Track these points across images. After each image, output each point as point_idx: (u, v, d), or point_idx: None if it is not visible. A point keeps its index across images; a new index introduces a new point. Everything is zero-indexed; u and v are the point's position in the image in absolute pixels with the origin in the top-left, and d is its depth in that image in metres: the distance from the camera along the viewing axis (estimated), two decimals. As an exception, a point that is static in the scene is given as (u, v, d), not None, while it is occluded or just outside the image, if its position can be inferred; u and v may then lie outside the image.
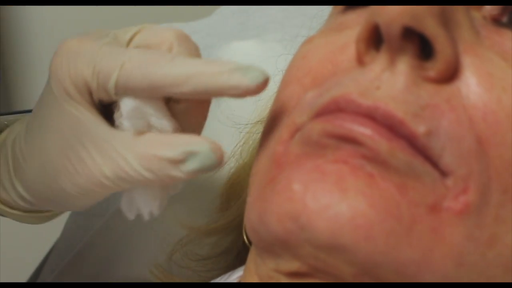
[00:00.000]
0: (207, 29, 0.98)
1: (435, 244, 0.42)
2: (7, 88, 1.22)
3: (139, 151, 0.48)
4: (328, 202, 0.42)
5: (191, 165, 0.46)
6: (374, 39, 0.44)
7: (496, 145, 0.42)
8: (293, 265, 0.46)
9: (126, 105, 0.50)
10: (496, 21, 0.46)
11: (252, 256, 0.53)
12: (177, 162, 0.46)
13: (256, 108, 0.67)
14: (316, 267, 0.45)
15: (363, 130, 0.42)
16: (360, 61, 0.45)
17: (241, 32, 0.93)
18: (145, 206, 0.51)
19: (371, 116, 0.42)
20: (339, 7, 0.55)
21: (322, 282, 0.45)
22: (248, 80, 0.46)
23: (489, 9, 0.47)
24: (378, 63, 0.44)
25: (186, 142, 0.47)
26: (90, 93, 0.50)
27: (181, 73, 0.48)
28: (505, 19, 0.46)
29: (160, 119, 0.50)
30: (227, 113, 0.69)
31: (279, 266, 0.47)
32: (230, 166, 0.69)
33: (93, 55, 0.50)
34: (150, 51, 0.51)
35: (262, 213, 0.45)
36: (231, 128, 0.69)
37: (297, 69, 0.51)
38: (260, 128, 0.61)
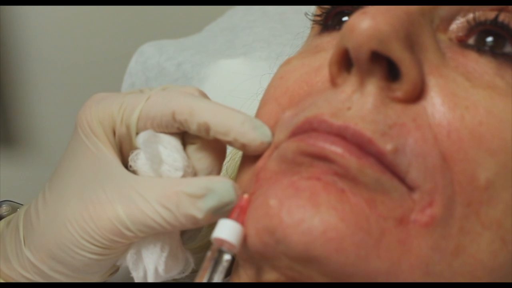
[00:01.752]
0: (196, 47, 1.00)
1: (403, 255, 0.44)
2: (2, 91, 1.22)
3: (158, 190, 0.50)
4: (301, 216, 0.44)
5: (210, 202, 0.49)
6: (345, 62, 0.47)
7: (459, 161, 0.45)
8: (272, 276, 0.48)
9: (144, 135, 0.52)
10: (461, 42, 0.49)
11: (236, 267, 0.55)
12: (196, 197, 0.49)
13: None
14: (293, 278, 0.47)
15: (334, 149, 0.44)
16: (333, 83, 0.48)
17: (229, 50, 0.96)
18: (151, 260, 0.52)
19: (342, 135, 0.45)
20: (315, 30, 0.57)
21: (309, 282, 0.47)
22: (256, 134, 0.50)
23: (455, 31, 0.49)
24: (349, 84, 0.46)
25: (205, 180, 0.50)
26: (113, 132, 0.53)
27: (202, 105, 0.52)
28: (470, 40, 0.49)
29: (173, 153, 0.52)
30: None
31: (260, 277, 0.50)
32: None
33: (121, 97, 0.54)
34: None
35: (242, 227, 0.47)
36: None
37: (275, 89, 0.54)
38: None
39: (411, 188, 0.45)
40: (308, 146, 0.46)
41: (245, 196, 0.48)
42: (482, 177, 0.45)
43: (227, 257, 0.47)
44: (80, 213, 0.51)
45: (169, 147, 0.52)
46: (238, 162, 0.68)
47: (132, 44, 1.04)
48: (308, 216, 0.44)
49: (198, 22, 1.11)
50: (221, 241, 0.47)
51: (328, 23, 0.56)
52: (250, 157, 0.52)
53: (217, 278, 0.46)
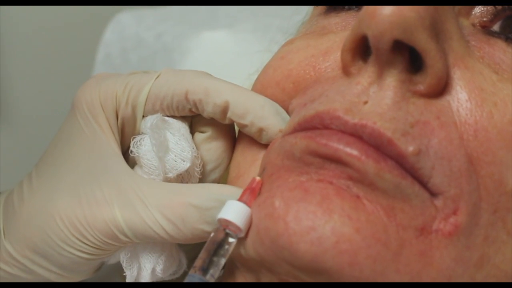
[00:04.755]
0: (177, 17, 0.94)
1: (424, 269, 0.40)
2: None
3: (160, 197, 0.45)
4: (311, 224, 0.39)
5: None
6: (361, 49, 0.42)
7: (487, 164, 0.40)
8: (272, 279, 0.44)
9: (152, 119, 0.47)
10: (485, 28, 0.44)
11: (231, 269, 0.50)
12: (205, 209, 0.44)
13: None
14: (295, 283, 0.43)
15: (349, 151, 0.40)
16: (346, 71, 0.43)
17: (212, 21, 0.90)
18: (150, 259, 0.47)
19: (358, 135, 0.40)
20: (320, 9, 0.52)
21: (316, 282, 0.42)
22: (277, 119, 0.46)
23: (479, 16, 0.44)
24: (365, 75, 0.42)
25: (216, 190, 0.45)
26: (116, 115, 0.48)
27: (219, 85, 0.47)
28: (495, 27, 0.44)
29: (181, 141, 0.47)
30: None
31: (259, 279, 0.45)
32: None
33: (126, 76, 0.49)
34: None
35: None
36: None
37: (275, 70, 0.48)
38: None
39: (434, 194, 0.40)
40: (319, 146, 0.41)
41: (258, 178, 0.43)
42: (511, 181, 0.41)
43: (231, 240, 0.43)
44: (73, 209, 0.46)
45: (178, 134, 0.48)
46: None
47: (107, 11, 0.98)
48: (319, 223, 0.39)
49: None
50: (227, 223, 0.42)
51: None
52: (250, 142, 0.48)
53: (219, 263, 0.42)
